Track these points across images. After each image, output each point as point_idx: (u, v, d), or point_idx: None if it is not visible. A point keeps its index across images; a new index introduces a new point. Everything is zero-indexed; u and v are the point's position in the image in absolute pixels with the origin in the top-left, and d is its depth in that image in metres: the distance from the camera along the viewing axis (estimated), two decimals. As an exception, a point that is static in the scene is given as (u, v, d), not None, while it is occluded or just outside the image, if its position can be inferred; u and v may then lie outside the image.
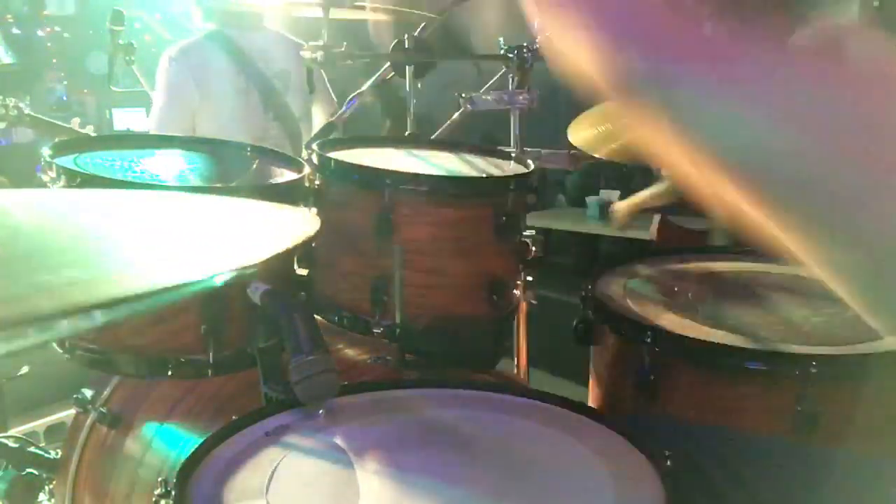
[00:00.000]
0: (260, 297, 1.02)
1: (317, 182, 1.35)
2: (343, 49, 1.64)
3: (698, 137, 0.44)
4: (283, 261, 0.55)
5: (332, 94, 2.76)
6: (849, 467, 0.97)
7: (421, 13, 1.88)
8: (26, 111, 2.53)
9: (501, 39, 1.76)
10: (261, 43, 2.56)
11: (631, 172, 4.15)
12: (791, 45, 0.51)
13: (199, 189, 1.35)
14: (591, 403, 1.37)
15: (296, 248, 0.58)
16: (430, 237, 1.29)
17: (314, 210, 1.34)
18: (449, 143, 1.64)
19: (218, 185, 1.41)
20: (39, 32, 4.82)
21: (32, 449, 1.57)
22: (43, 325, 0.39)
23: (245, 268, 0.50)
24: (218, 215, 0.76)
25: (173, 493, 0.80)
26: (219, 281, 0.46)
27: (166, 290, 0.44)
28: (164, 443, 1.31)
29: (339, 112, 2.02)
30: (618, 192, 4.12)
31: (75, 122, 2.78)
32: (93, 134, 2.60)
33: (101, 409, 1.40)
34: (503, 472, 0.89)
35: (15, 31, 4.75)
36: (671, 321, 1.25)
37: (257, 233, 0.66)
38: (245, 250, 0.56)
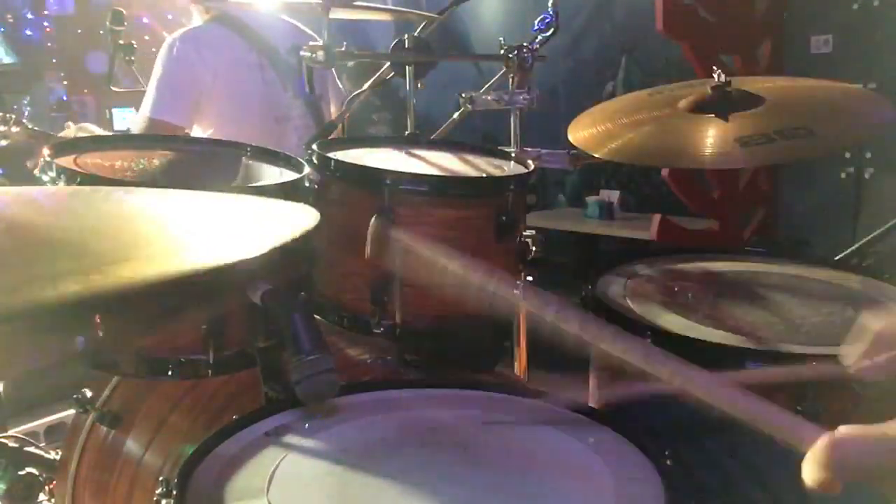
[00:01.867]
0: (260, 296, 1.02)
1: (317, 182, 1.35)
2: (343, 49, 1.64)
3: None
4: (285, 256, 0.54)
5: (341, 86, 2.69)
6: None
7: (420, 13, 1.88)
8: (29, 124, 2.44)
9: (501, 39, 1.76)
10: (265, 20, 2.42)
11: (631, 172, 4.16)
12: None
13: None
14: (591, 403, 1.36)
15: (299, 240, 0.57)
16: (430, 237, 1.29)
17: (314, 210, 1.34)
18: (449, 143, 1.64)
19: (218, 185, 1.41)
20: (39, 32, 4.83)
21: (32, 449, 1.58)
22: (38, 315, 0.38)
23: (249, 260, 0.49)
24: (217, 211, 0.76)
25: (173, 493, 0.80)
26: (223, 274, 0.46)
27: (164, 283, 0.43)
28: (164, 443, 1.31)
29: (339, 112, 2.02)
30: (618, 193, 4.12)
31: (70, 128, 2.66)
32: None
33: (101, 409, 1.40)
34: (503, 472, 0.89)
35: (15, 31, 4.75)
36: (671, 321, 1.25)
37: (258, 227, 0.66)
38: (248, 243, 0.55)
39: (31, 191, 0.77)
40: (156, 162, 1.41)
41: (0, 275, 0.44)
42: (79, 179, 1.16)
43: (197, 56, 2.27)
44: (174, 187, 1.28)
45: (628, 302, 1.33)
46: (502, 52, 1.73)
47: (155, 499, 0.81)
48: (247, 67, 2.33)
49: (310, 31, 2.49)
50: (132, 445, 1.35)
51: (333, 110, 2.61)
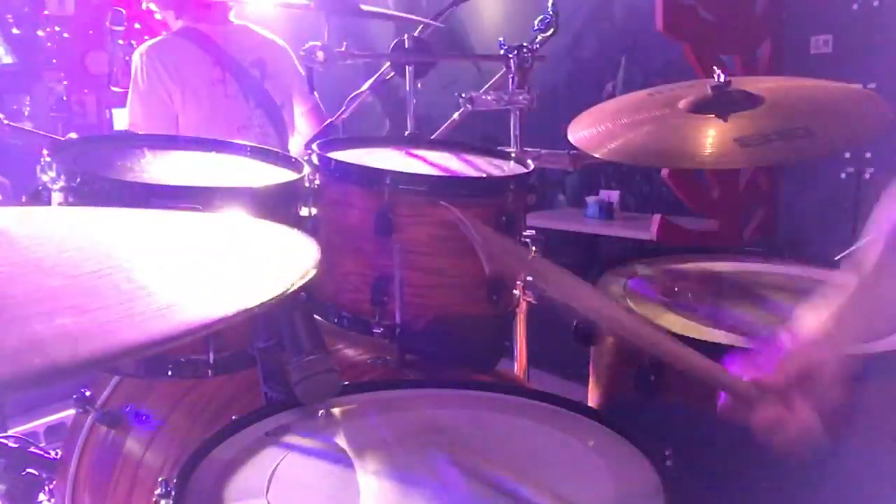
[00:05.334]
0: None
1: (317, 182, 1.35)
2: (343, 49, 1.64)
3: None
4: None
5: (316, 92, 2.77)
6: (848, 465, 0.97)
7: (419, 19, 1.88)
8: (4, 121, 2.47)
9: (501, 39, 1.76)
10: (230, 35, 2.56)
11: (631, 172, 4.16)
12: None
13: (199, 190, 1.35)
14: (590, 403, 1.36)
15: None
16: (430, 237, 1.29)
17: (314, 210, 1.34)
18: (449, 143, 1.64)
19: (217, 185, 1.41)
20: (39, 32, 4.82)
21: (32, 449, 1.57)
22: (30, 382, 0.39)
23: (248, 310, 0.49)
24: (214, 241, 0.75)
25: (173, 493, 0.80)
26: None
27: (161, 342, 0.43)
28: (164, 443, 1.31)
29: (339, 112, 2.02)
30: (618, 193, 4.12)
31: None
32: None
33: (102, 409, 1.40)
34: (503, 473, 0.89)
35: (15, 31, 4.75)
36: (671, 321, 1.25)
37: (257, 265, 0.65)
38: (246, 289, 0.55)
39: (36, 216, 0.76)
40: (155, 162, 1.40)
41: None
42: (78, 179, 1.16)
43: (162, 68, 2.44)
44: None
45: (628, 302, 1.33)
46: (502, 52, 1.73)
47: (154, 499, 0.81)
48: (210, 82, 2.48)
49: (281, 42, 2.64)
50: (132, 445, 1.35)
51: (302, 115, 2.70)
